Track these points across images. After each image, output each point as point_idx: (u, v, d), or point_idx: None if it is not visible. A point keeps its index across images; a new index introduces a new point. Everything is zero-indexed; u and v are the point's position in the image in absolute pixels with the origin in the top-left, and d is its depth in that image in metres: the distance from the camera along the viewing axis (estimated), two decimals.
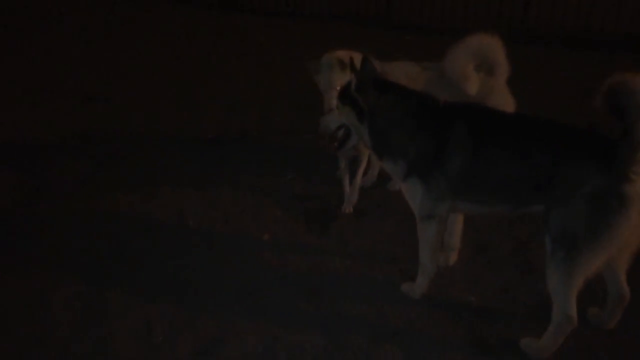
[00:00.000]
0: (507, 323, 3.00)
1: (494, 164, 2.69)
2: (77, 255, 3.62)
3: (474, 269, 3.41)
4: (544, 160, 2.56)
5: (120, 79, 7.02)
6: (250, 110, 5.92)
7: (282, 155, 4.90)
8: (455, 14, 8.35)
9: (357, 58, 3.45)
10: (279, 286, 3.30)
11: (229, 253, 3.61)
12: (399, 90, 2.94)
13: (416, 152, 2.84)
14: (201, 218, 3.99)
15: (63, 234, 3.84)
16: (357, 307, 3.12)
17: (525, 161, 2.61)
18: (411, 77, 3.86)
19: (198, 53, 8.00)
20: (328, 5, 9.45)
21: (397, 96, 2.90)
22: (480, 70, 3.82)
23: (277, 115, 5.73)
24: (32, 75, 7.20)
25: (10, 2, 10.96)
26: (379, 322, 3.01)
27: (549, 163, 2.54)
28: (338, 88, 3.46)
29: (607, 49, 7.14)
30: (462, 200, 2.87)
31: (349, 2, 9.29)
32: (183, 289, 3.30)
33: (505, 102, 3.90)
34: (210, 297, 3.23)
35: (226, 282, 3.34)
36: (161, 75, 7.14)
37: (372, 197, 4.22)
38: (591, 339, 2.85)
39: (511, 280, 3.31)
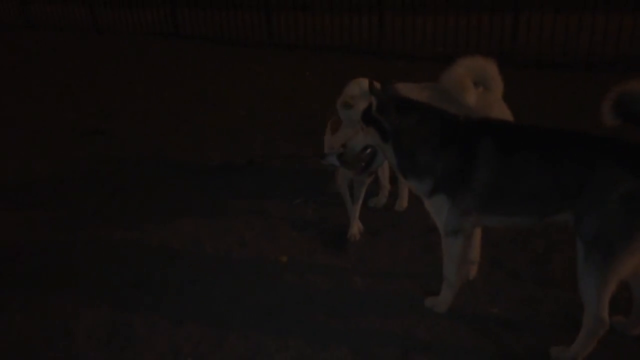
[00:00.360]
0: (532, 333, 3.01)
1: (523, 177, 2.74)
2: (96, 284, 3.60)
3: (494, 282, 3.44)
4: (574, 168, 2.62)
5: (119, 111, 7.08)
6: (253, 137, 5.99)
7: (289, 180, 4.95)
8: (446, 41, 8.56)
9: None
10: (303, 305, 3.31)
11: (249, 276, 3.61)
12: (422, 109, 2.99)
13: (442, 168, 2.88)
14: (217, 243, 4.00)
15: (80, 264, 3.84)
16: (383, 323, 3.13)
17: (554, 171, 2.66)
18: (413, 96, 3.96)
19: (194, 83, 8.11)
20: (320, 35, 9.64)
21: (419, 114, 2.94)
22: (478, 86, 3.97)
23: (280, 141, 5.80)
24: (30, 112, 7.23)
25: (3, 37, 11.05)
26: (406, 336, 3.02)
27: (579, 171, 2.60)
28: None
29: (593, 69, 7.39)
30: (488, 214, 2.91)
31: (341, 32, 9.49)
32: (207, 312, 3.29)
33: (504, 116, 4.05)
34: (235, 318, 3.22)
35: (249, 304, 3.34)
36: (160, 107, 7.22)
37: (384, 218, 4.27)
38: (618, 345, 2.89)
39: (531, 292, 3.34)
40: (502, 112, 4.05)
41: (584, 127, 2.79)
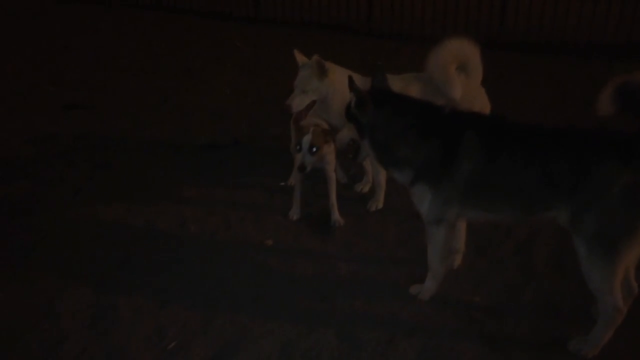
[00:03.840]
0: (514, 320, 3.06)
1: (508, 173, 2.73)
2: (81, 264, 3.57)
3: (477, 270, 3.48)
4: (566, 165, 2.61)
5: (100, 86, 6.90)
6: (239, 116, 5.92)
7: (275, 161, 4.91)
8: (434, 22, 8.50)
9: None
10: (289, 290, 3.32)
11: (235, 259, 3.61)
12: (399, 101, 2.99)
13: (423, 160, 2.89)
14: (202, 224, 3.98)
15: (63, 243, 3.79)
16: (368, 309, 3.16)
17: (543, 169, 2.66)
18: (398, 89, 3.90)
19: (177, 59, 7.94)
20: (308, 12, 9.51)
21: (396, 108, 2.94)
22: (460, 74, 3.95)
23: (266, 121, 5.74)
24: (6, 84, 7.02)
25: None
26: (391, 322, 3.05)
27: (572, 168, 2.59)
28: None
29: (580, 55, 7.40)
30: (471, 207, 2.92)
31: (329, 10, 9.36)
32: (192, 294, 3.29)
33: (484, 105, 4.06)
34: (221, 302, 3.23)
35: (235, 287, 3.35)
36: (143, 82, 7.07)
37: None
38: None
39: (513, 280, 3.39)
40: (482, 101, 4.06)
41: (570, 113, 2.79)
